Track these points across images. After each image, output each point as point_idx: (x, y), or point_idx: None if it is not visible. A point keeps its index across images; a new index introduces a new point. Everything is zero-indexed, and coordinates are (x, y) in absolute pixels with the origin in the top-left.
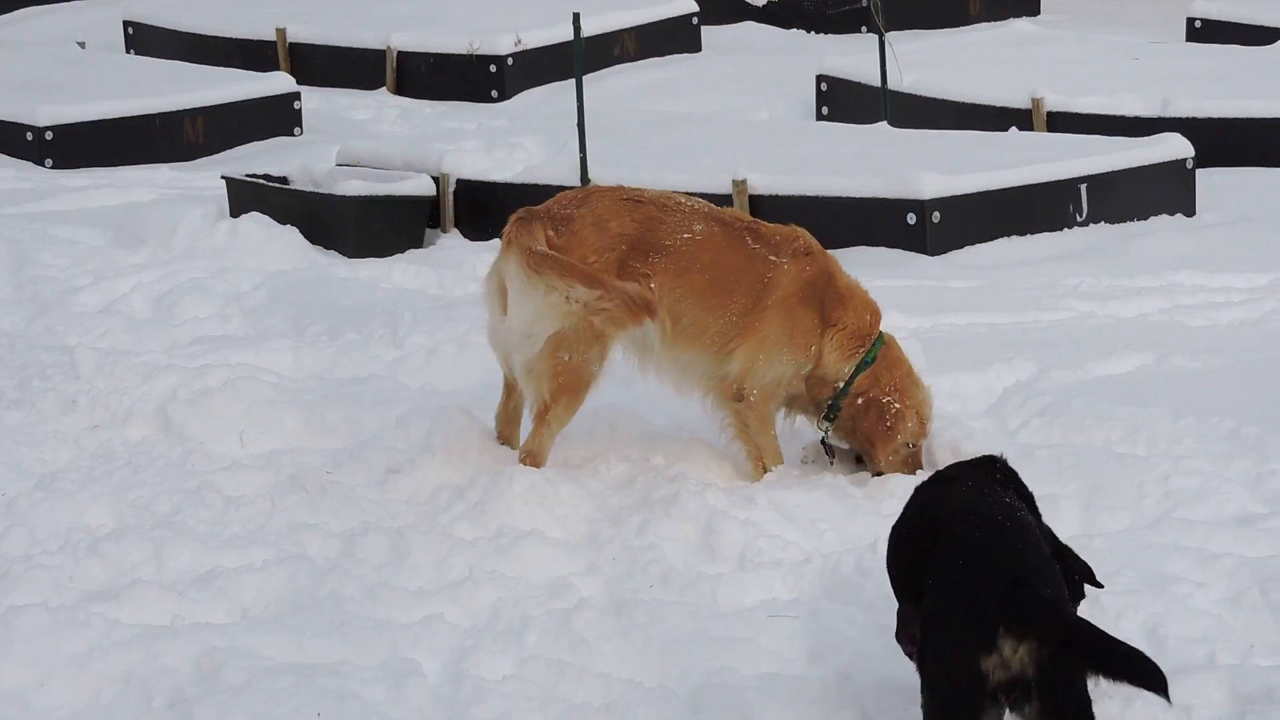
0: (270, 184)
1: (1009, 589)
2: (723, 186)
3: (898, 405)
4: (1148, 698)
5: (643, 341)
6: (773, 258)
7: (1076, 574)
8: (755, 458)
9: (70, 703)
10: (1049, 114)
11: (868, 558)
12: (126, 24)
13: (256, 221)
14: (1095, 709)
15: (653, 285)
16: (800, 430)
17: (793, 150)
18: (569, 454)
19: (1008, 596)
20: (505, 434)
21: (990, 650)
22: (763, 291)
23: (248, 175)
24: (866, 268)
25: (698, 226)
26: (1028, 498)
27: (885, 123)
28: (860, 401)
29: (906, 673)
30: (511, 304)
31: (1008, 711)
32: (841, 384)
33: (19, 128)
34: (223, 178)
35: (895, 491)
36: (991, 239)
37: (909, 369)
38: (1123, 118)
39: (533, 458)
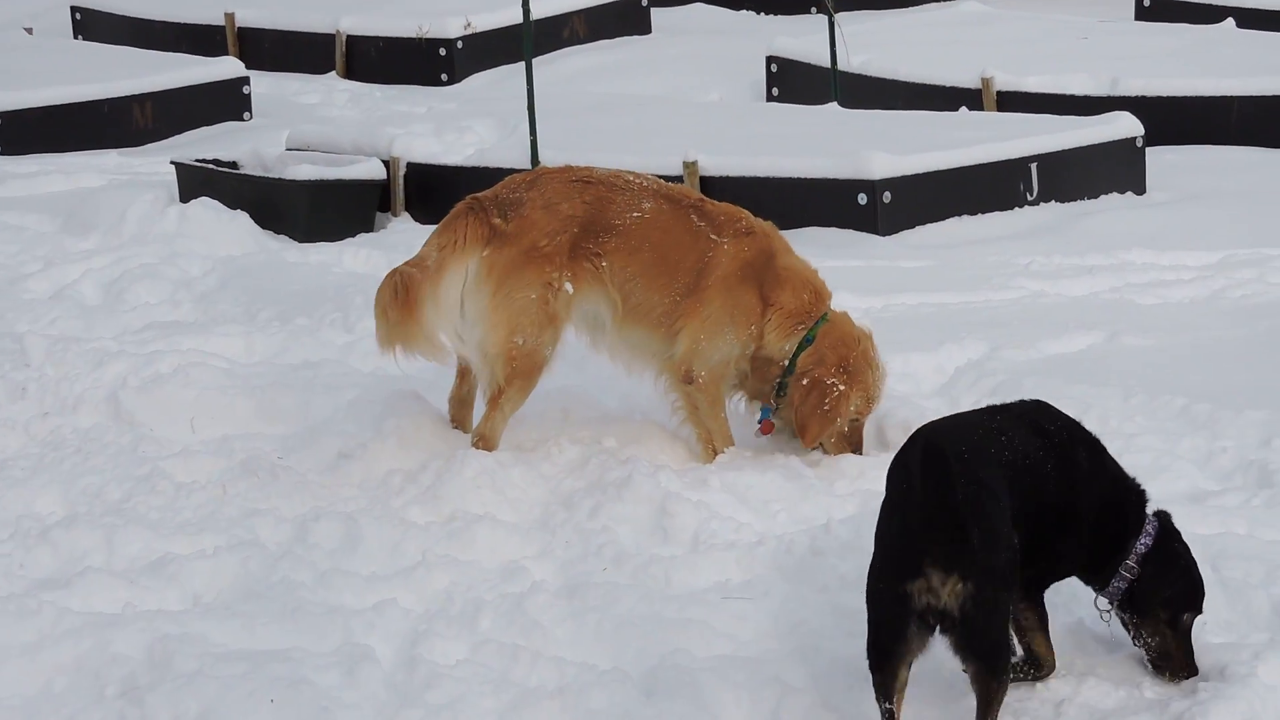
0: (220, 169)
1: (934, 520)
2: (673, 168)
3: (841, 387)
4: (1100, 674)
5: (595, 321)
6: (714, 236)
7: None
8: (706, 440)
9: (22, 691)
10: (999, 94)
11: (821, 538)
12: (74, 9)
13: (206, 207)
14: (1048, 688)
15: (604, 265)
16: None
17: (743, 131)
18: (521, 437)
19: (932, 528)
20: (458, 418)
21: (916, 575)
22: (704, 271)
23: (197, 160)
24: (817, 248)
25: (646, 204)
26: (1061, 440)
27: (835, 103)
28: (805, 381)
29: (861, 653)
30: (467, 295)
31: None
32: (786, 363)
33: None
34: (172, 163)
35: (847, 471)
36: (942, 219)
37: (865, 349)
38: (1072, 97)
39: (485, 441)
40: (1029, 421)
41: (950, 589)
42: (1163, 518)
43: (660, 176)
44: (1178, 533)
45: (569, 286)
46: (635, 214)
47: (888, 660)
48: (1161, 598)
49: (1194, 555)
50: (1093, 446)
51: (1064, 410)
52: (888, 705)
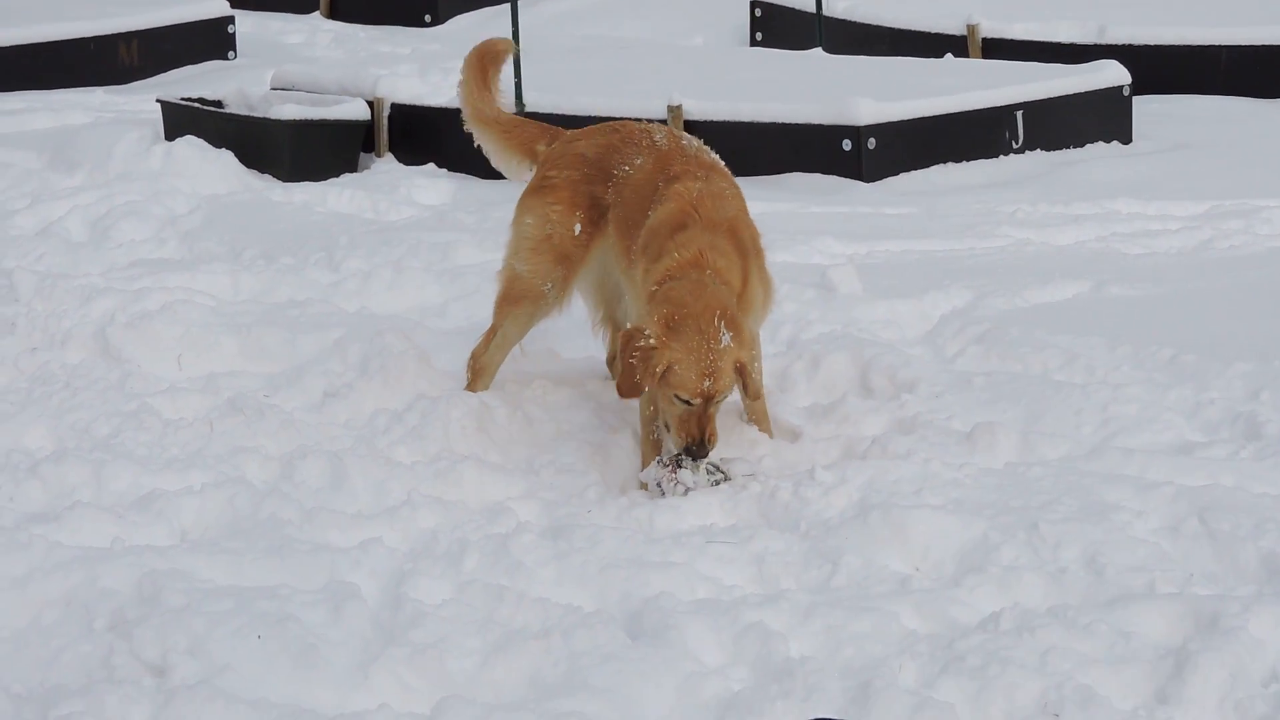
0: (205, 108)
1: None
2: (658, 112)
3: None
4: (1085, 622)
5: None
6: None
7: None
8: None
9: (11, 624)
10: (984, 40)
11: (805, 484)
12: None
13: (192, 145)
14: (1033, 636)
15: (609, 214)
16: None
17: (728, 76)
18: (506, 378)
19: None
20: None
21: None
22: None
23: (182, 99)
24: (801, 194)
25: (638, 160)
26: None
27: (820, 49)
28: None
29: (844, 598)
30: None
31: None
32: None
33: None
34: (158, 101)
35: (832, 416)
36: (927, 166)
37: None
38: (1059, 44)
39: (474, 360)
40: None
41: None
42: None
43: (644, 120)
44: None
45: (578, 227)
46: (626, 167)
47: None
48: None
49: None
50: None
51: (1049, 356)
52: None
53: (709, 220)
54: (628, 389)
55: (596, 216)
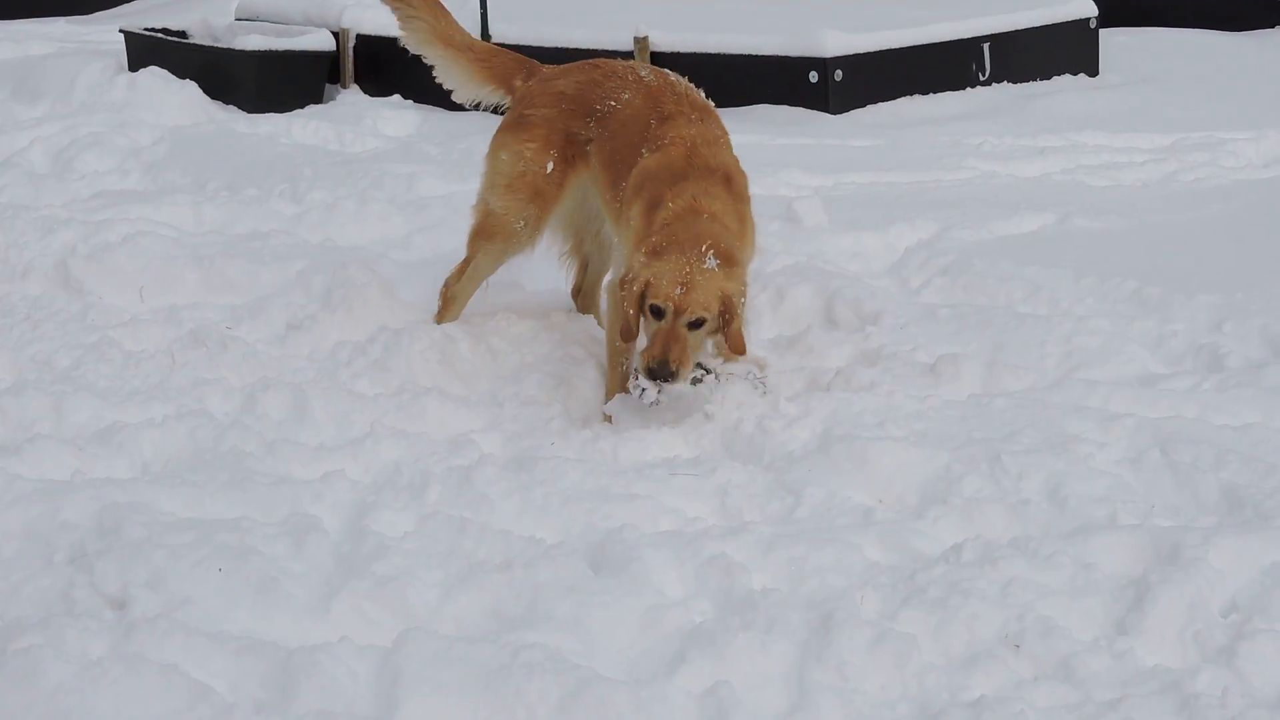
0: (169, 38)
1: None
2: (624, 43)
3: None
4: (1047, 556)
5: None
6: (644, 150)
7: None
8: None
9: None
10: None
11: (769, 416)
12: None
13: (155, 76)
14: (995, 569)
15: (589, 150)
16: None
17: (695, 7)
18: (470, 310)
19: None
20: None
21: None
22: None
23: (146, 29)
24: (768, 126)
25: (626, 95)
26: None
27: None
28: None
29: (807, 530)
30: None
31: None
32: None
33: None
34: (121, 31)
35: (796, 348)
36: (894, 98)
37: None
38: None
39: (446, 289)
40: None
41: None
42: None
43: (612, 51)
44: None
45: (551, 165)
46: (612, 102)
47: None
48: None
49: None
50: None
51: (1014, 288)
52: None
53: (706, 168)
54: (625, 331)
55: (572, 154)
